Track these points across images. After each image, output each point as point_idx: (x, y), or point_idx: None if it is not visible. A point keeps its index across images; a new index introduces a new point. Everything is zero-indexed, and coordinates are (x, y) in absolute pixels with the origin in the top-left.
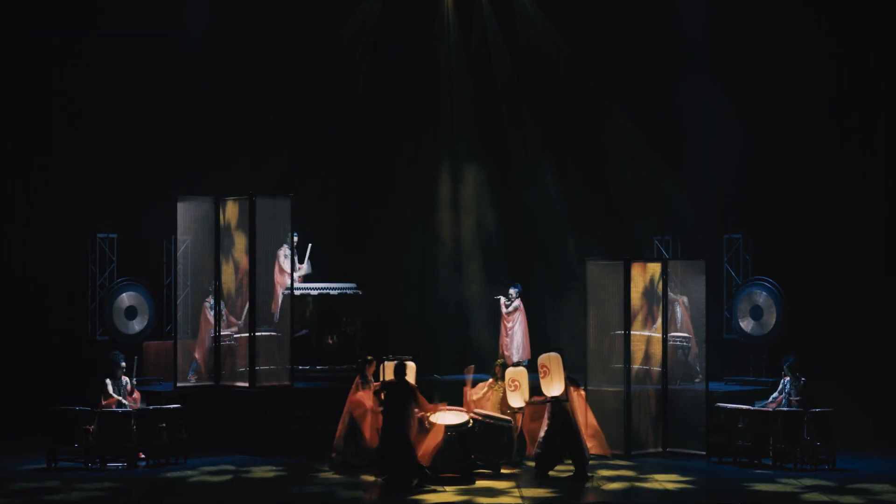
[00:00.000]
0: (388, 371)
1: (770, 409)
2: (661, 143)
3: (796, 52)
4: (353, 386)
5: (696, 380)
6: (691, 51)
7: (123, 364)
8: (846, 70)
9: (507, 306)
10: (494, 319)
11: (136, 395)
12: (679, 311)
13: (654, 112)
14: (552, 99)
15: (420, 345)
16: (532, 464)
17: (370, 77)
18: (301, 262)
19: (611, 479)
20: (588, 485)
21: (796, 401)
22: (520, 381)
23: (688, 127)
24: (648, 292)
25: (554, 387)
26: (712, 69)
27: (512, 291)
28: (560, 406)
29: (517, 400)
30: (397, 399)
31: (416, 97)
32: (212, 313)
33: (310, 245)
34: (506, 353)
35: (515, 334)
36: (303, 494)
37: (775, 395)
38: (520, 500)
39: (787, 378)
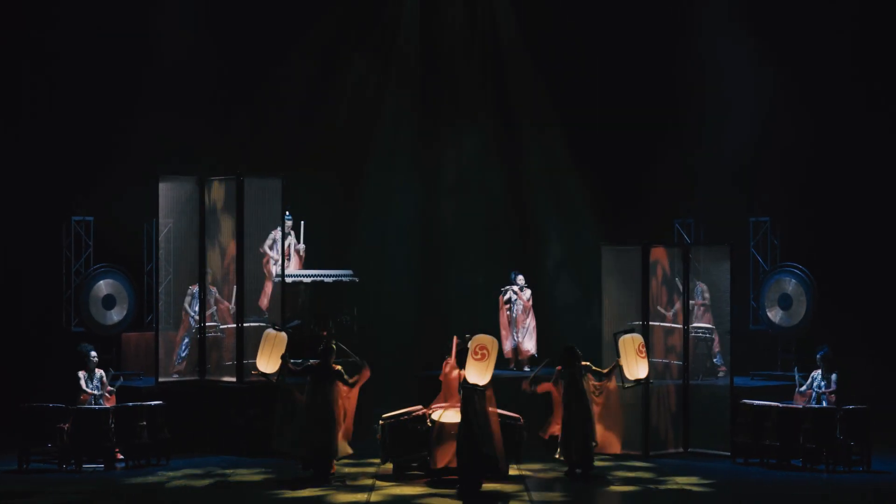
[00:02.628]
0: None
1: (800, 406)
2: (683, 116)
3: (828, 22)
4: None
5: (720, 374)
6: (716, 21)
7: (94, 355)
8: (881, 40)
9: (523, 291)
10: (494, 308)
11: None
12: (700, 300)
13: (674, 82)
14: (561, 69)
15: (419, 336)
16: (538, 466)
17: (364, 52)
18: (298, 241)
19: (628, 480)
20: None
21: (829, 392)
22: (489, 349)
23: (711, 99)
24: (668, 280)
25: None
26: (737, 40)
27: (521, 279)
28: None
29: (478, 374)
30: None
31: (414, 72)
32: (194, 307)
33: (302, 223)
34: (520, 342)
35: (530, 325)
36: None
37: (804, 388)
38: None
39: (819, 371)
